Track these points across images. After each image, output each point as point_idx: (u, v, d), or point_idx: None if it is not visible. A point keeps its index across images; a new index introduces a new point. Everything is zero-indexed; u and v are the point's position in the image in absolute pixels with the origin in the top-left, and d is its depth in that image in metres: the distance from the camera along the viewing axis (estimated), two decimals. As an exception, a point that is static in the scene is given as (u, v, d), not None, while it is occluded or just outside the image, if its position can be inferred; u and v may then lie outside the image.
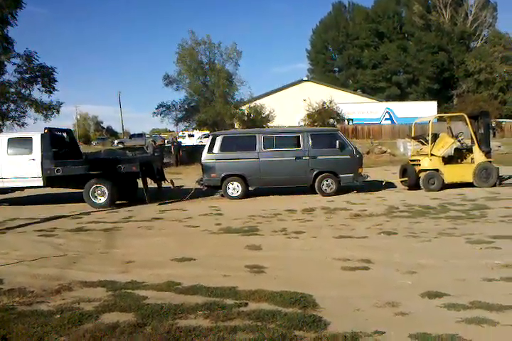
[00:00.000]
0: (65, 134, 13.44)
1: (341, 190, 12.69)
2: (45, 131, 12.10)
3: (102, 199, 11.63)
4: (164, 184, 13.34)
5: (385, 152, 26.50)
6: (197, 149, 22.47)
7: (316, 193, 12.54)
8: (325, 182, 12.51)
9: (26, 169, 11.61)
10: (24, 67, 23.22)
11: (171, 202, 12.17)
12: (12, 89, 23.55)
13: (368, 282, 5.03)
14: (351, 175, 12.53)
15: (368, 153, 26.55)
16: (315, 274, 5.40)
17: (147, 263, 6.10)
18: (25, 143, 11.81)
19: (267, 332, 3.69)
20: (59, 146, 12.40)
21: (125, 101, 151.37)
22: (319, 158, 12.55)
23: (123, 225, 9.09)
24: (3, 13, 21.90)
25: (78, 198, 12.06)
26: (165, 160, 26.97)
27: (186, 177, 15.63)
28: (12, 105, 23.98)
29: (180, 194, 13.20)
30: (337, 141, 12.45)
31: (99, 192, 11.62)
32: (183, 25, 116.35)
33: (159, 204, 11.79)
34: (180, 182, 14.90)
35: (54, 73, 24.01)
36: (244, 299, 4.51)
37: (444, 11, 57.11)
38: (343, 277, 5.25)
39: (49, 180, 11.80)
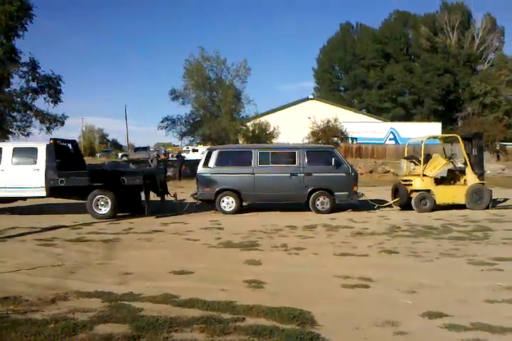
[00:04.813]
0: (70, 145, 13.47)
1: (336, 208, 12.54)
2: (51, 141, 12.15)
3: (105, 210, 11.60)
4: (167, 197, 13.31)
5: (388, 172, 26.52)
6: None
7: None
8: (319, 200, 12.38)
9: (30, 179, 11.59)
10: (29, 74, 23.28)
11: (170, 216, 12.09)
12: (18, 99, 23.66)
13: (368, 300, 4.96)
14: (346, 192, 12.37)
15: (371, 172, 26.61)
16: (314, 291, 5.32)
17: (145, 275, 6.04)
18: (30, 153, 11.84)
19: (264, 347, 3.62)
20: (64, 157, 12.41)
21: (131, 114, 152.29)
22: (314, 175, 12.43)
23: (123, 236, 9.04)
24: (13, 23, 21.97)
25: (79, 209, 12.05)
26: (168, 174, 27.03)
27: (188, 191, 15.59)
28: (18, 114, 24.07)
29: (181, 207, 13.15)
30: (332, 159, 12.36)
31: (101, 202, 11.60)
32: (190, 41, 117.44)
33: (157, 217, 11.75)
34: (182, 196, 14.86)
35: (60, 83, 24.07)
36: (241, 314, 4.44)
37: (450, 34, 57.62)
38: (342, 294, 5.18)
39: (52, 191, 11.77)
